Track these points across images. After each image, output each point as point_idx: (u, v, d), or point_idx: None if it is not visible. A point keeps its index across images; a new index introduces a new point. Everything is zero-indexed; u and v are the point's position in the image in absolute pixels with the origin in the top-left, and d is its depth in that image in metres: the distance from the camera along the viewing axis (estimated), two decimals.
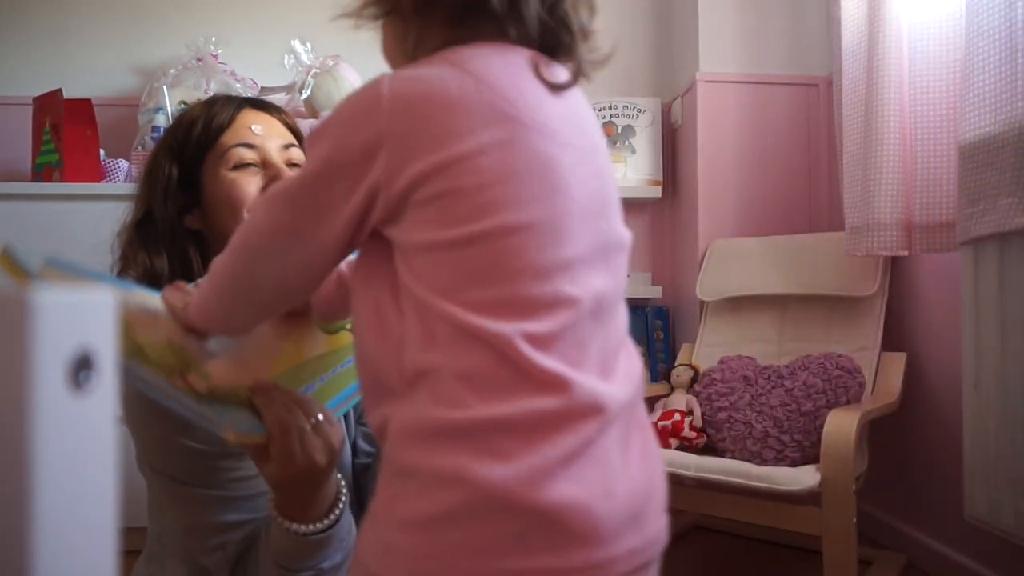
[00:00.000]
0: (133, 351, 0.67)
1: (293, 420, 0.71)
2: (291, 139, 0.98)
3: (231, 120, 0.95)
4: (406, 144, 0.55)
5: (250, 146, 0.94)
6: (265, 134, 0.95)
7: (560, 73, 0.63)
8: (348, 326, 0.80)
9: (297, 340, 0.81)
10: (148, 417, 0.87)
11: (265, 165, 0.94)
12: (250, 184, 0.92)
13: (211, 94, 2.10)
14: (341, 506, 0.80)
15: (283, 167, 0.94)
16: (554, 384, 0.52)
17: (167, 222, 0.94)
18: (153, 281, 0.88)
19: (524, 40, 0.61)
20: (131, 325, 0.69)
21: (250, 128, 0.95)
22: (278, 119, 0.99)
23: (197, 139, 0.95)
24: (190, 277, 0.88)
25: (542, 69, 0.60)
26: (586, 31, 0.66)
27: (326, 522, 0.78)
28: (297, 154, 0.97)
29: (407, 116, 0.56)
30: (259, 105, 0.99)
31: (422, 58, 0.61)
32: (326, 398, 0.78)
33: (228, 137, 0.94)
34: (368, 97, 0.57)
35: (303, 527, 0.77)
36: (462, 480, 0.50)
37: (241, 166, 0.93)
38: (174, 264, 0.92)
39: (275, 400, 0.71)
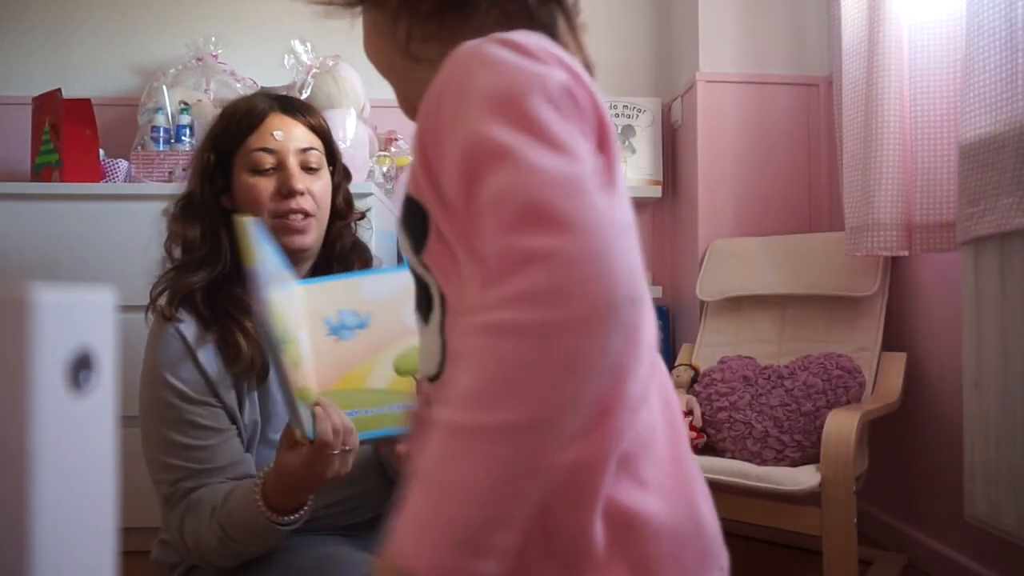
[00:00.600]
0: (284, 338, 0.77)
1: (336, 440, 0.83)
2: (312, 142, 1.09)
3: (258, 123, 1.07)
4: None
5: (269, 150, 1.06)
6: (284, 139, 1.07)
7: None
8: (416, 374, 0.87)
9: (368, 367, 0.91)
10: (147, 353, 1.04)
11: (279, 168, 1.06)
12: (264, 189, 1.06)
13: (211, 94, 2.11)
14: (303, 513, 0.92)
15: (295, 171, 1.06)
16: None
17: (203, 201, 1.07)
18: (187, 246, 1.05)
19: (527, 23, 0.57)
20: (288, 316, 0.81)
21: (272, 134, 1.06)
22: (303, 122, 1.10)
23: (230, 134, 1.08)
24: (216, 246, 1.04)
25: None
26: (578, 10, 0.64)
27: (289, 519, 0.90)
28: (315, 157, 1.09)
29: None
30: (289, 108, 1.10)
31: (418, 50, 0.60)
32: (363, 429, 0.87)
33: (253, 139, 1.07)
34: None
35: (271, 515, 0.89)
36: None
37: (259, 170, 1.06)
38: (206, 236, 1.05)
39: (332, 416, 0.84)
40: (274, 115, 1.08)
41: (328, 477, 0.85)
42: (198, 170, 1.09)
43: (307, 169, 1.08)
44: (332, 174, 1.14)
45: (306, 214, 1.07)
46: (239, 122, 1.08)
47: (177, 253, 1.07)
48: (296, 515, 0.91)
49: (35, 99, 2.00)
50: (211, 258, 1.05)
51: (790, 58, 2.18)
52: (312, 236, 1.09)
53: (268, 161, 1.06)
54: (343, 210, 1.16)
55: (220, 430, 0.98)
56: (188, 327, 1.01)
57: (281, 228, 1.06)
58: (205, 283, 1.04)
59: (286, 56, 2.07)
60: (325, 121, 1.15)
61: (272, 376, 0.94)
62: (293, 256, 1.10)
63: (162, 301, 1.04)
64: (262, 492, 0.89)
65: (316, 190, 1.08)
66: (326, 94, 2.03)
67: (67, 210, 1.79)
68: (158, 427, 0.98)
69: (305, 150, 1.08)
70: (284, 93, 1.16)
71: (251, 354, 1.01)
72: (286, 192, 1.05)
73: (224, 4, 2.31)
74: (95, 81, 2.26)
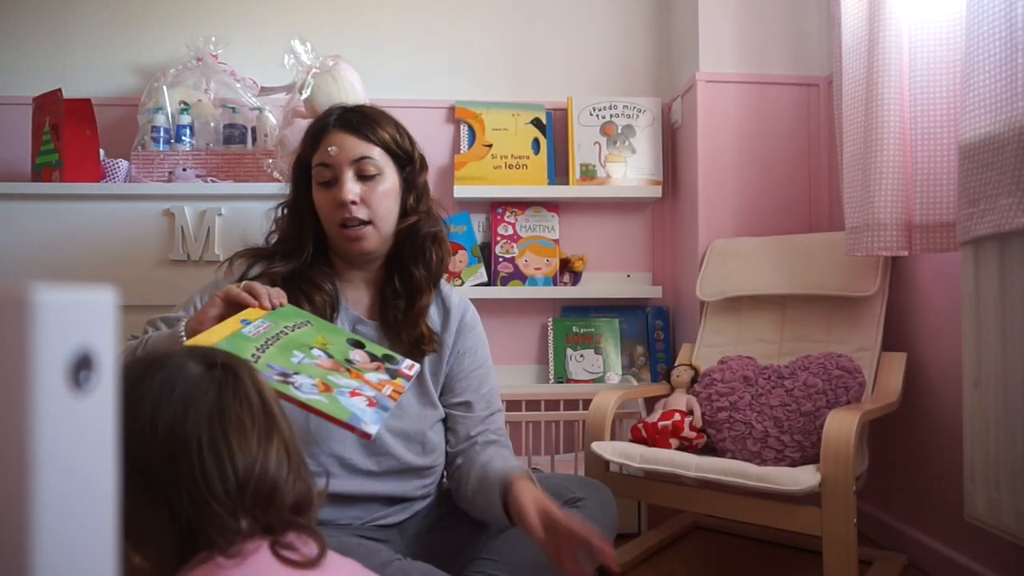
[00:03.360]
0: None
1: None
2: (368, 151, 1.19)
3: (320, 139, 1.19)
4: None
5: (326, 165, 1.18)
6: (338, 154, 1.17)
7: None
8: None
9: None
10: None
11: (335, 179, 1.18)
12: (326, 200, 1.18)
13: (211, 94, 2.11)
14: None
15: (347, 183, 1.16)
16: None
17: (296, 205, 1.24)
18: (282, 238, 1.25)
19: None
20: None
21: (328, 149, 1.18)
22: (356, 135, 1.19)
23: (304, 150, 1.22)
24: (301, 243, 1.22)
25: None
26: None
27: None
28: (373, 164, 1.18)
29: None
30: (347, 123, 1.20)
31: None
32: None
33: (316, 156, 1.20)
34: None
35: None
36: None
37: (320, 182, 1.19)
38: (296, 235, 1.22)
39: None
40: (332, 132, 1.19)
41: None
42: (293, 179, 1.25)
43: (364, 177, 1.18)
44: (406, 175, 1.23)
45: (361, 222, 1.17)
46: (308, 139, 1.22)
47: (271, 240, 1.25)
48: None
49: (35, 99, 2.00)
50: (295, 253, 1.21)
51: (790, 58, 2.18)
52: (371, 241, 1.19)
53: (326, 175, 1.18)
54: (412, 207, 1.24)
55: None
56: None
57: (341, 237, 1.19)
58: (286, 273, 1.19)
59: (286, 56, 2.07)
60: (388, 128, 1.22)
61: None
62: (359, 259, 1.23)
63: (242, 268, 1.20)
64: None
65: (372, 197, 1.17)
66: (326, 94, 2.03)
67: (67, 210, 1.79)
68: None
69: (359, 160, 1.18)
70: (354, 105, 1.28)
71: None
72: (339, 203, 1.16)
73: (224, 4, 2.32)
74: (95, 81, 2.26)
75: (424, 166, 1.27)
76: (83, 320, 0.27)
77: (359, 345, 1.05)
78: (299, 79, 2.05)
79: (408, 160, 1.24)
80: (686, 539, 1.93)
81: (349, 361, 1.00)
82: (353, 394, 0.94)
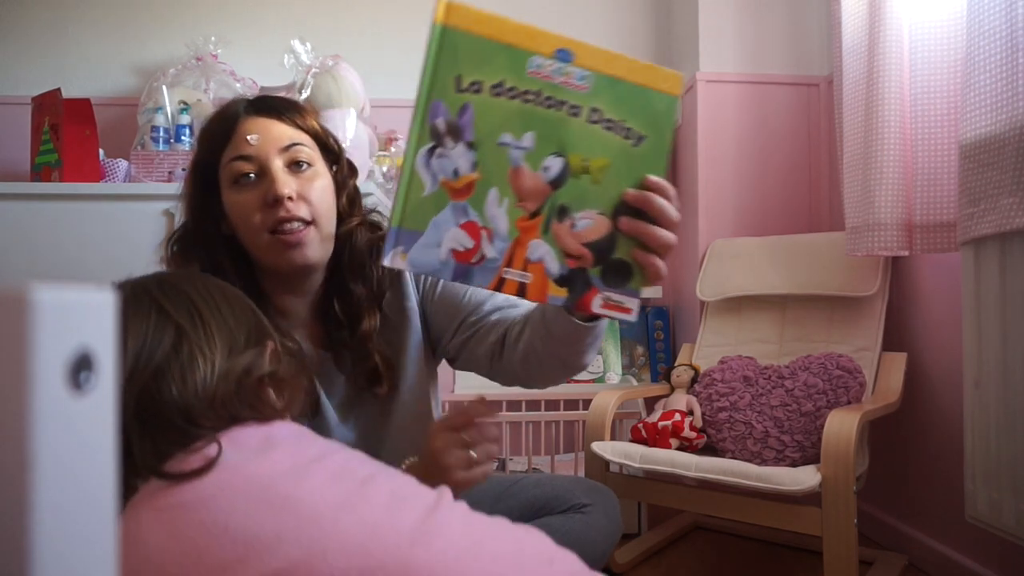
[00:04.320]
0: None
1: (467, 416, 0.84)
2: (297, 137, 0.97)
3: (232, 131, 0.95)
4: None
5: (246, 157, 0.94)
6: (261, 141, 0.94)
7: None
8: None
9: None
10: None
11: (262, 175, 0.94)
12: (248, 202, 0.94)
13: (211, 94, 2.11)
14: None
15: (278, 174, 0.93)
16: None
17: (199, 232, 0.98)
18: None
19: None
20: None
21: (247, 138, 0.94)
22: (279, 119, 0.97)
23: (207, 151, 0.97)
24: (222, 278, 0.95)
25: None
26: None
27: None
28: (304, 152, 0.96)
29: None
30: (264, 107, 0.98)
31: None
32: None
33: (229, 150, 0.95)
34: None
35: None
36: None
37: (240, 181, 0.94)
38: (206, 268, 0.95)
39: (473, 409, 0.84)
40: (247, 119, 0.96)
41: (451, 465, 0.80)
42: (187, 199, 0.99)
43: (296, 166, 0.96)
44: (334, 175, 1.02)
45: (303, 222, 0.94)
46: (213, 134, 0.97)
47: None
48: None
49: (35, 99, 2.00)
50: None
51: (790, 58, 2.18)
52: (315, 248, 0.96)
53: (246, 168, 0.94)
54: (346, 212, 1.02)
55: None
56: None
57: (276, 245, 0.94)
58: None
59: (286, 56, 2.07)
60: (315, 117, 1.02)
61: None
62: (298, 276, 0.99)
63: None
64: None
65: (310, 192, 0.95)
66: (326, 94, 2.03)
67: (67, 210, 1.79)
68: None
69: (289, 147, 0.95)
70: (269, 95, 1.06)
71: None
72: (272, 200, 0.92)
73: (224, 4, 2.31)
74: (95, 81, 2.26)
75: (354, 170, 1.07)
76: (83, 320, 0.27)
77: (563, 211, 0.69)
78: (299, 79, 2.05)
79: (336, 158, 1.04)
80: (686, 539, 1.93)
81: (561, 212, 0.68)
82: (470, 230, 0.66)
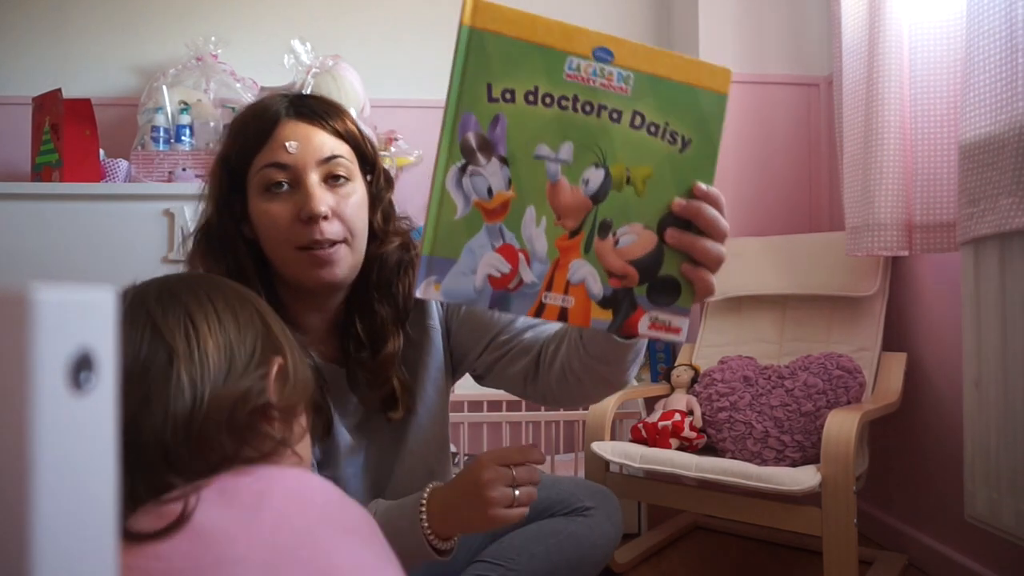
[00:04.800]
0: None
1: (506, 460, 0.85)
2: (338, 148, 0.91)
3: (269, 133, 0.89)
4: None
5: (282, 166, 0.88)
6: (300, 151, 0.88)
7: None
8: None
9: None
10: None
11: (296, 186, 0.88)
12: (279, 214, 0.88)
13: (211, 94, 2.11)
14: (453, 543, 0.89)
15: (315, 190, 0.87)
16: None
17: (222, 231, 0.91)
18: None
19: None
20: None
21: (285, 145, 0.88)
22: (323, 127, 0.91)
23: (240, 148, 0.90)
24: (243, 283, 0.88)
25: None
26: None
27: (444, 546, 0.88)
28: (344, 166, 0.90)
29: None
30: (306, 111, 0.91)
31: None
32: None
33: (264, 155, 0.89)
34: None
35: (431, 534, 0.86)
36: None
37: (272, 189, 0.88)
38: (231, 272, 0.89)
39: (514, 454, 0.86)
40: (287, 122, 0.89)
41: (495, 499, 0.81)
42: (213, 193, 0.93)
43: (333, 180, 0.90)
44: (369, 184, 0.96)
45: (333, 242, 0.88)
46: (247, 133, 0.90)
47: None
48: (450, 543, 0.87)
49: (35, 99, 2.00)
50: None
51: (790, 58, 2.18)
52: (344, 266, 0.90)
53: (279, 177, 0.88)
54: (381, 229, 0.96)
55: None
56: None
57: (305, 262, 0.88)
58: None
59: (286, 56, 2.07)
60: (354, 123, 0.95)
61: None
62: (322, 292, 0.94)
63: None
64: (428, 506, 0.86)
65: (345, 209, 0.89)
66: (326, 94, 2.03)
67: (67, 210, 1.79)
68: None
69: (328, 159, 0.89)
70: (304, 93, 0.98)
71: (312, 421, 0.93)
72: (306, 217, 0.86)
73: (224, 4, 2.31)
74: (95, 81, 2.26)
75: (390, 182, 1.00)
76: (83, 320, 0.27)
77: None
78: (299, 79, 2.05)
79: (372, 166, 0.97)
80: (686, 539, 1.93)
81: (603, 228, 0.63)
82: (507, 254, 0.61)
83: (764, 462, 1.55)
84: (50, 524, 0.26)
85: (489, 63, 0.58)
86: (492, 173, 0.59)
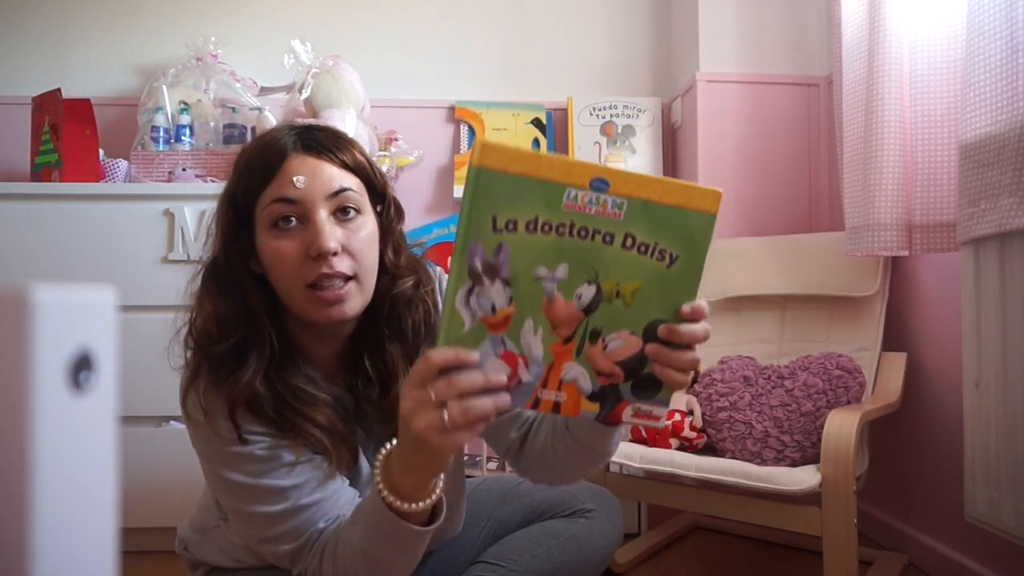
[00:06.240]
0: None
1: (428, 367, 0.67)
2: (346, 181, 0.89)
3: (274, 170, 0.87)
4: None
5: (290, 201, 0.86)
6: (308, 185, 0.87)
7: None
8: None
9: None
10: (200, 457, 0.92)
11: (304, 221, 0.87)
12: (288, 251, 0.86)
13: (211, 94, 2.11)
14: (435, 497, 0.80)
15: (324, 226, 0.86)
16: None
17: (229, 268, 0.90)
18: (222, 325, 0.87)
19: None
20: None
21: (293, 180, 0.86)
22: (331, 160, 0.89)
23: (246, 185, 0.89)
24: (254, 324, 0.88)
25: None
26: None
27: (416, 506, 0.78)
28: (353, 199, 0.89)
29: None
30: (314, 144, 0.89)
31: None
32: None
33: (271, 190, 0.87)
34: None
35: (397, 501, 0.77)
36: None
37: (280, 225, 0.87)
38: (239, 308, 0.88)
39: (438, 354, 0.68)
40: (295, 156, 0.88)
41: (419, 427, 0.67)
42: (220, 230, 0.91)
43: (342, 214, 0.88)
44: (379, 216, 0.94)
45: (344, 278, 0.87)
46: (254, 168, 0.88)
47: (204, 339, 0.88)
48: (423, 503, 0.78)
49: (35, 99, 2.00)
50: (255, 340, 0.88)
51: (790, 58, 2.18)
52: (354, 304, 0.89)
53: (289, 213, 0.86)
54: (392, 265, 0.95)
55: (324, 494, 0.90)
56: (262, 446, 0.87)
57: (314, 301, 0.87)
58: (262, 376, 0.87)
59: (286, 56, 2.07)
60: (363, 153, 0.94)
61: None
62: (329, 329, 0.93)
63: (212, 409, 0.86)
64: (383, 468, 0.78)
65: (355, 243, 0.88)
66: (326, 94, 2.03)
67: (67, 210, 1.79)
68: (262, 530, 0.89)
69: (337, 193, 0.88)
70: (310, 123, 0.96)
71: (336, 450, 0.89)
72: (315, 254, 0.85)
73: (224, 4, 2.31)
74: (95, 81, 2.26)
75: (400, 213, 0.98)
76: (83, 320, 0.27)
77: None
78: (299, 79, 2.05)
79: (382, 197, 0.95)
80: (686, 539, 1.93)
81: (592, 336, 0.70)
82: (508, 359, 0.68)
83: (764, 462, 1.55)
84: (50, 523, 0.26)
85: (494, 198, 0.64)
86: (496, 293, 0.66)
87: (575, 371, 0.70)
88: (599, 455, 0.88)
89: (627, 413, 0.72)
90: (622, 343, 0.70)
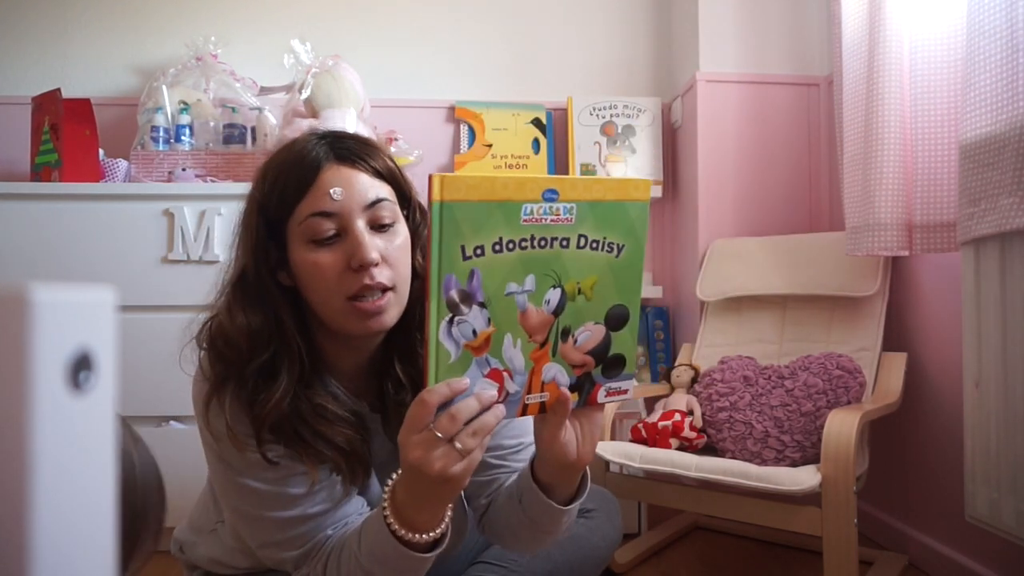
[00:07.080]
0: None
1: (432, 401, 0.69)
2: (381, 191, 0.88)
3: (311, 181, 0.86)
4: None
5: (328, 214, 0.85)
6: (345, 197, 0.85)
7: None
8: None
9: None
10: (214, 461, 0.91)
11: (344, 234, 0.86)
12: (329, 264, 0.85)
13: (210, 94, 2.11)
14: (444, 527, 0.80)
15: (364, 237, 0.85)
16: None
17: (259, 281, 0.88)
18: (253, 339, 0.86)
19: None
20: None
21: (329, 193, 0.85)
22: (365, 169, 0.88)
23: (279, 198, 0.87)
24: (285, 340, 0.87)
25: None
26: None
27: (425, 537, 0.78)
28: (388, 208, 0.88)
29: None
30: (347, 154, 0.88)
31: None
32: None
33: (307, 204, 0.85)
34: None
35: (403, 531, 0.77)
36: None
37: (318, 240, 0.85)
38: (269, 323, 0.87)
39: (445, 388, 0.70)
40: (329, 168, 0.86)
41: (436, 469, 0.68)
42: (249, 241, 0.88)
43: (379, 227, 0.87)
44: (408, 221, 0.93)
45: (383, 288, 0.86)
46: (288, 181, 0.86)
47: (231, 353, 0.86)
48: (434, 533, 0.78)
49: (35, 99, 2.00)
50: (285, 357, 0.86)
51: (790, 58, 2.18)
52: (392, 314, 0.88)
53: (326, 227, 0.85)
54: (422, 267, 0.92)
55: (331, 505, 0.90)
56: (280, 455, 0.86)
57: (353, 313, 0.86)
58: (292, 395, 0.85)
59: (286, 56, 2.07)
60: (391, 158, 0.93)
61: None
62: (363, 340, 0.92)
63: (235, 423, 0.85)
64: (391, 503, 0.78)
65: (393, 253, 0.87)
66: (326, 94, 2.03)
67: (67, 210, 1.79)
68: (269, 536, 0.89)
69: (374, 204, 0.87)
70: (338, 131, 0.94)
71: (352, 470, 0.89)
72: (356, 265, 0.84)
73: (224, 4, 2.31)
74: (95, 81, 2.26)
75: (425, 216, 0.96)
76: (83, 320, 0.27)
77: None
78: (299, 79, 2.05)
79: (407, 201, 0.94)
80: (686, 539, 1.93)
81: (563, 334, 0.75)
82: (494, 376, 0.72)
83: (764, 462, 1.55)
84: (49, 524, 0.26)
85: (460, 228, 0.67)
86: (474, 317, 0.70)
87: (554, 370, 0.75)
88: (545, 532, 0.89)
89: (601, 394, 0.79)
90: (589, 335, 0.77)
